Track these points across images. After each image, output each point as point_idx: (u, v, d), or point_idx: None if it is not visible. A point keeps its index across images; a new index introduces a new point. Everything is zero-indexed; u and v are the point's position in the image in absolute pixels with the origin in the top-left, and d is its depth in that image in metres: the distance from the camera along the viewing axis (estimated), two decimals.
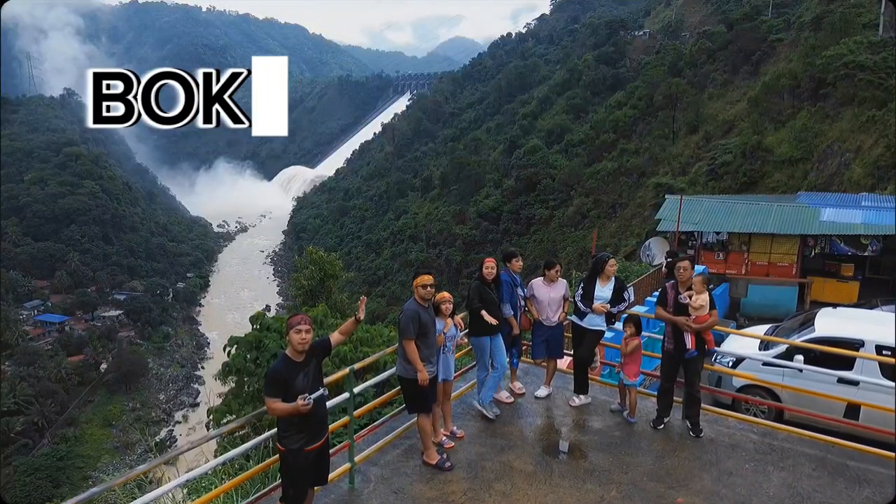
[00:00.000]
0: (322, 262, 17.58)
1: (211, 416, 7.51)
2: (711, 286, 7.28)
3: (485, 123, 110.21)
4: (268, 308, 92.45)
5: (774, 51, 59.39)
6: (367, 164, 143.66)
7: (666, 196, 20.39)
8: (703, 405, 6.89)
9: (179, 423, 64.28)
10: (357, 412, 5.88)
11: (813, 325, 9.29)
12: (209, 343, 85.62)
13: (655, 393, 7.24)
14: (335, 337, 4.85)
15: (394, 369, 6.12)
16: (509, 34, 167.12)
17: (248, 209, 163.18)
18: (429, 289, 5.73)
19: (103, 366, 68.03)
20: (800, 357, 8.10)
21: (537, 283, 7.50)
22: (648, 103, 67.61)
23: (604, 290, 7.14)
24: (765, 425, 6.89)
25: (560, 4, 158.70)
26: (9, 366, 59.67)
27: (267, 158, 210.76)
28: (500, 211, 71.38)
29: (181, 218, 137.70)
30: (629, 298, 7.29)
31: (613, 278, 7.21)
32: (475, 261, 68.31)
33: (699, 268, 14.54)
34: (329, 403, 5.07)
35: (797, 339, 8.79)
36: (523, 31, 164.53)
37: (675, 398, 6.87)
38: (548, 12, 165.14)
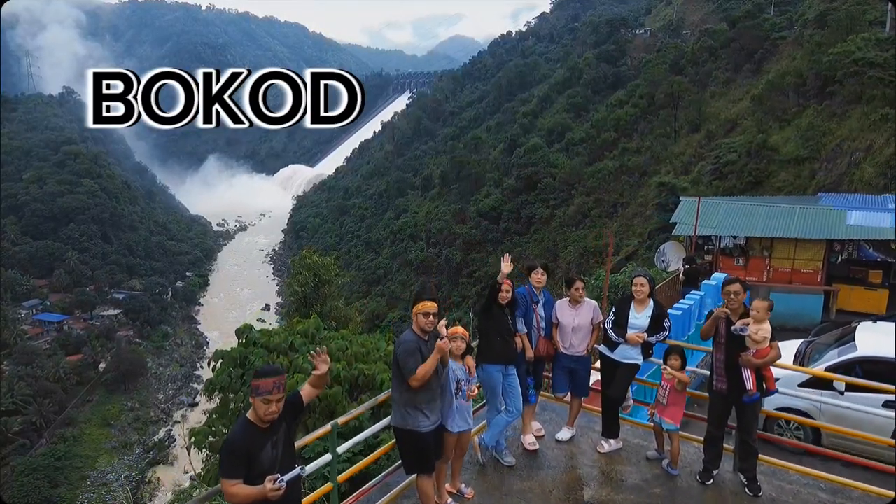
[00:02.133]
0: (316, 267, 16.56)
1: (192, 439, 6.92)
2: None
3: (485, 122, 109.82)
4: (267, 307, 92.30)
5: (777, 49, 58.94)
6: (366, 162, 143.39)
7: (681, 198, 19.45)
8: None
9: (178, 422, 63.94)
10: (341, 477, 5.00)
11: (853, 341, 8.29)
12: (208, 342, 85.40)
13: (697, 436, 6.25)
14: (307, 391, 3.95)
15: (388, 419, 5.17)
16: (509, 33, 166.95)
17: (247, 208, 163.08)
18: (431, 318, 4.76)
19: (102, 365, 67.72)
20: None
21: (561, 304, 6.49)
22: (650, 102, 67.16)
23: (639, 317, 6.12)
24: (835, 481, 5.76)
25: (560, 3, 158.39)
26: (7, 365, 59.38)
27: (267, 157, 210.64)
28: (500, 210, 70.91)
29: (180, 216, 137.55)
30: (670, 327, 6.26)
31: (651, 302, 6.17)
32: (475, 260, 68.34)
33: (719, 275, 13.79)
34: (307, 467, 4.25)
35: (838, 360, 7.90)
36: (523, 29, 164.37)
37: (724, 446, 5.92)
38: (548, 11, 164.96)
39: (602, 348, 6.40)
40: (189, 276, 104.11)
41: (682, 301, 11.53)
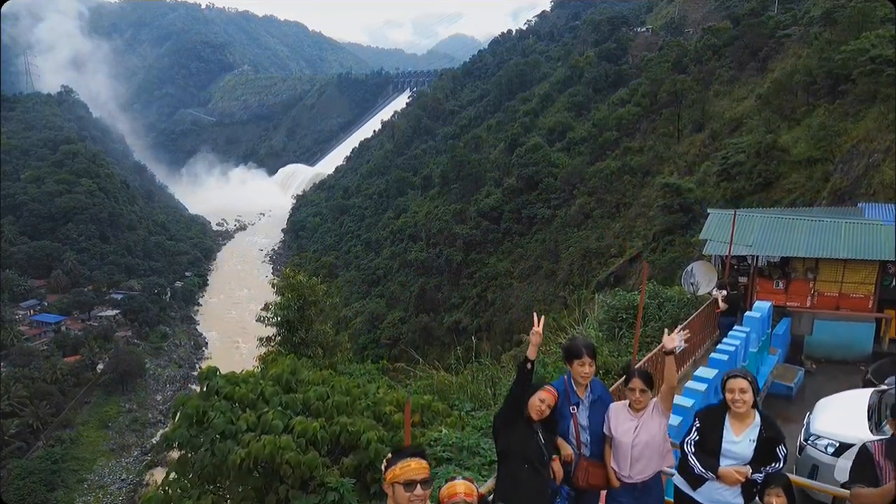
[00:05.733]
0: (301, 287, 14.85)
1: None
2: None
3: (485, 121, 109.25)
4: (266, 307, 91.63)
5: (782, 46, 58.28)
6: (366, 161, 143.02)
7: (709, 210, 17.72)
8: None
9: None
10: None
11: None
12: (207, 343, 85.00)
13: None
14: None
15: None
16: (510, 31, 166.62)
17: (247, 207, 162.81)
18: (419, 489, 2.96)
19: (100, 366, 67.16)
20: None
21: (617, 410, 4.47)
22: (652, 100, 66.54)
23: (739, 441, 4.13)
24: None
25: (560, 2, 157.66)
26: (4, 367, 58.88)
27: (266, 156, 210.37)
28: (501, 210, 70.38)
29: (179, 216, 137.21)
30: (786, 456, 4.16)
31: (756, 417, 4.18)
32: (476, 261, 67.68)
33: (763, 303, 12.37)
34: None
35: None
36: (524, 27, 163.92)
37: None
38: (548, 9, 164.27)
39: (678, 482, 4.39)
40: (188, 276, 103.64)
41: (724, 342, 9.78)
